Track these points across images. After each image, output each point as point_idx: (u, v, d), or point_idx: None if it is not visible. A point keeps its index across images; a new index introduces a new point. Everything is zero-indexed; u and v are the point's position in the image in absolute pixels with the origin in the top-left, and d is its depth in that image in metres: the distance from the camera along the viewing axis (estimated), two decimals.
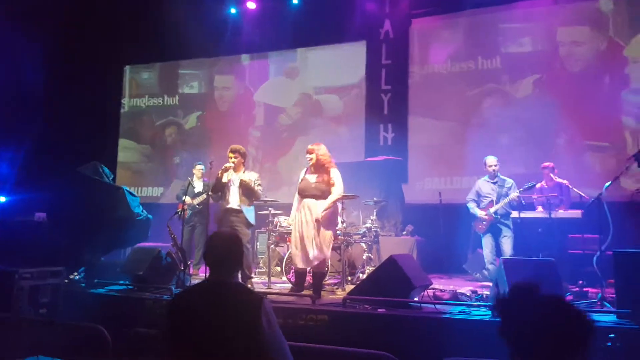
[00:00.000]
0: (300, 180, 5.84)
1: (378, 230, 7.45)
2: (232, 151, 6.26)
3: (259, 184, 6.29)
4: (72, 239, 6.46)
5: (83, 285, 6.10)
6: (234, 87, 11.47)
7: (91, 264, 6.41)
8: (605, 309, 4.45)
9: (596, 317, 4.19)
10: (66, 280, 5.96)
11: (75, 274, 6.18)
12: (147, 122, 12.12)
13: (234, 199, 6.14)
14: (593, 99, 8.31)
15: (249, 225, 6.18)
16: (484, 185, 7.06)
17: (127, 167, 12.06)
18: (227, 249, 2.48)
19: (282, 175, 10.50)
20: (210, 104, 11.66)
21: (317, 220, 5.46)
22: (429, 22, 9.95)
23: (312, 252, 5.46)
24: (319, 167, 5.64)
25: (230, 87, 11.49)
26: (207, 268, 2.57)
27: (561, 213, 6.66)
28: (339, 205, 6.85)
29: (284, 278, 6.73)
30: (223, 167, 6.18)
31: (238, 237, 2.67)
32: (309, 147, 5.75)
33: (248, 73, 11.43)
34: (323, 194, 5.57)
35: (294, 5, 10.42)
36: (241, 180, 6.13)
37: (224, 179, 6.15)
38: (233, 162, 6.16)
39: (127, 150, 12.15)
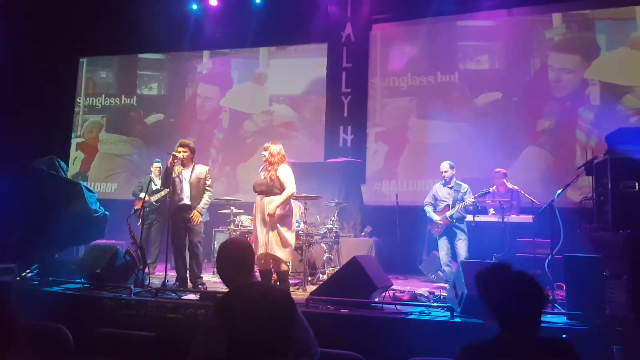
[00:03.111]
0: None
1: (338, 231, 7.53)
2: (182, 145, 6.25)
3: (209, 178, 6.30)
4: (25, 235, 6.24)
5: (36, 282, 5.90)
6: (203, 92, 11.37)
7: (44, 261, 6.21)
8: (556, 310, 4.66)
9: (548, 318, 4.39)
10: (18, 278, 5.78)
11: (28, 271, 5.98)
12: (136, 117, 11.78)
13: (186, 195, 6.13)
14: (553, 112, 8.72)
15: (199, 222, 6.20)
16: (440, 189, 7.26)
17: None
18: (243, 254, 2.59)
19: (239, 180, 10.54)
20: (181, 107, 11.47)
21: (269, 215, 5.45)
22: (389, 28, 10.15)
23: (261, 250, 5.47)
24: (270, 164, 5.68)
25: (207, 94, 11.36)
26: (225, 277, 2.63)
27: (513, 217, 6.97)
28: (301, 205, 6.89)
29: None
30: (172, 154, 6.12)
31: (247, 241, 2.80)
32: (265, 144, 5.79)
33: (211, 75, 11.35)
34: (269, 189, 5.58)
35: (256, 5, 10.39)
36: (191, 183, 6.14)
37: (174, 173, 6.14)
38: (183, 156, 6.13)
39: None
